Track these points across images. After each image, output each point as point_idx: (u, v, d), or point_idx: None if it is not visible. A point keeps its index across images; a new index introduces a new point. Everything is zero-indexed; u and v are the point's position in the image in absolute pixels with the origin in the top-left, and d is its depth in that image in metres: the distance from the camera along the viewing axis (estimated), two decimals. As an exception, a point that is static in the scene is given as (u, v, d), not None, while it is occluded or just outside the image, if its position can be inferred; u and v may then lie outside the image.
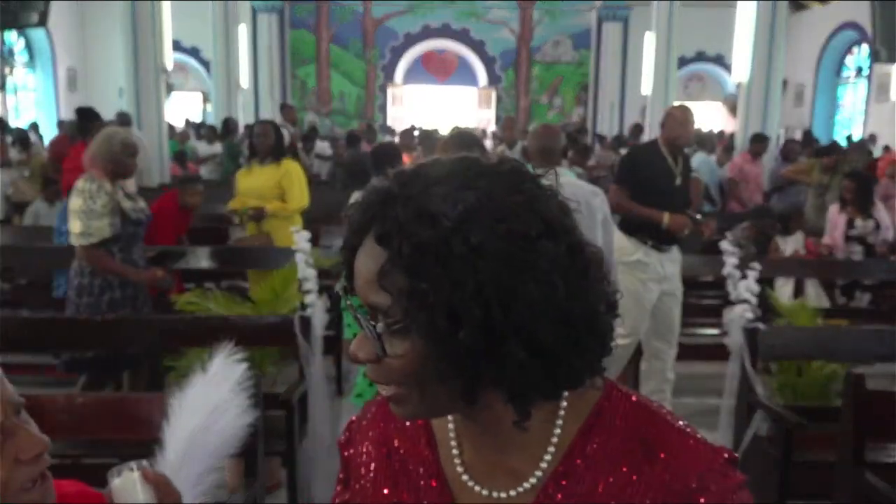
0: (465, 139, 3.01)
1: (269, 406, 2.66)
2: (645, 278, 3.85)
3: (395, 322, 0.67)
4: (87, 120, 5.11)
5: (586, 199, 3.24)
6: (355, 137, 9.65)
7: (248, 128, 5.12)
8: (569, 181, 3.64)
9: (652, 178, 3.85)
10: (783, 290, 5.02)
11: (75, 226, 3.33)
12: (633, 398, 0.77)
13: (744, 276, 3.32)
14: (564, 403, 0.76)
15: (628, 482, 0.72)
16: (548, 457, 0.75)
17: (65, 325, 3.17)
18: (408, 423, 0.84)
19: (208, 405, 1.10)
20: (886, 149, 10.07)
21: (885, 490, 2.29)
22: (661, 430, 0.74)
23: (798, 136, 11.67)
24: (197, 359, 2.99)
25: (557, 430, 0.75)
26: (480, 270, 0.64)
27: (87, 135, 5.03)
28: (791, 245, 5.29)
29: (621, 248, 3.84)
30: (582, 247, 0.71)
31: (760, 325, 3.13)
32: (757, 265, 3.39)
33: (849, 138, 12.35)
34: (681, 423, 0.75)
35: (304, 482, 3.03)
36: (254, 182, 4.66)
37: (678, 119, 3.88)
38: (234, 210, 4.68)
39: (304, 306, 3.25)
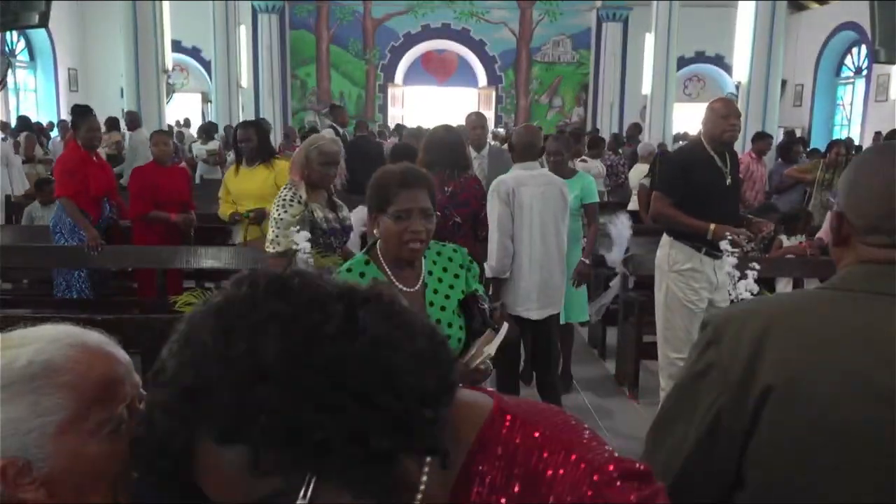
0: (450, 139, 3.27)
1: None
2: (697, 287, 3.70)
3: (306, 486, 0.64)
4: (78, 116, 5.08)
5: (561, 189, 3.66)
6: (363, 124, 9.55)
7: (234, 129, 5.06)
8: (547, 173, 3.82)
9: (702, 182, 3.60)
10: (785, 290, 5.02)
11: (270, 232, 3.33)
12: (517, 420, 0.74)
13: (744, 276, 3.31)
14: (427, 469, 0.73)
15: None
16: (422, 486, 0.72)
17: (65, 326, 3.16)
18: None
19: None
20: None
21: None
22: (544, 456, 0.72)
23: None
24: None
25: (420, 493, 0.72)
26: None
27: (77, 130, 5.01)
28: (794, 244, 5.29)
29: (672, 257, 3.70)
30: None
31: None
32: (757, 265, 3.38)
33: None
34: (570, 436, 0.72)
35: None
36: (247, 184, 4.61)
37: (720, 112, 3.62)
38: (231, 214, 4.63)
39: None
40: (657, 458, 1.07)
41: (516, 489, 0.71)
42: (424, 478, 0.73)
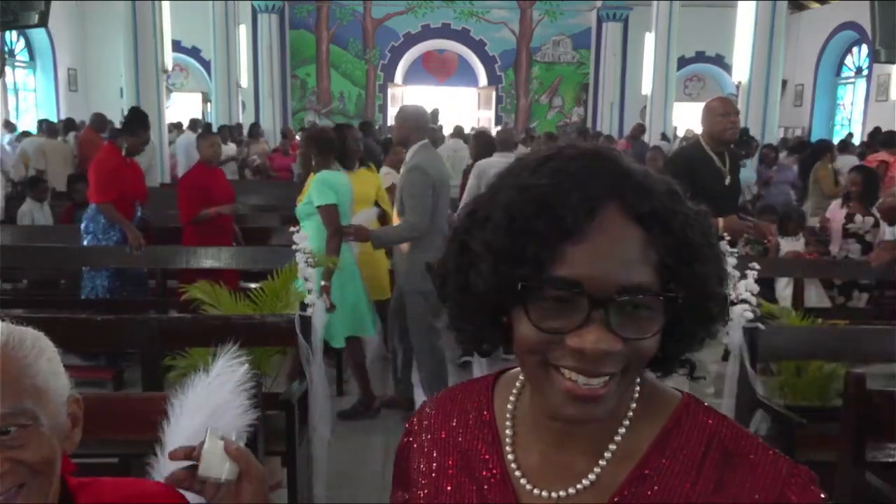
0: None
1: (269, 406, 2.66)
2: None
3: (658, 297, 0.68)
4: (136, 123, 4.95)
5: (484, 168, 4.93)
6: (368, 125, 9.52)
7: (339, 129, 4.99)
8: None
9: (700, 182, 3.51)
10: (784, 291, 5.01)
11: None
12: (713, 410, 0.78)
13: (744, 276, 3.31)
14: (634, 405, 0.76)
15: (707, 490, 0.72)
16: (608, 454, 0.74)
17: (65, 325, 3.16)
18: (470, 422, 0.83)
19: (209, 405, 1.10)
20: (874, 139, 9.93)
21: (886, 490, 2.29)
22: (742, 442, 0.74)
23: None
24: (198, 359, 3.00)
25: (622, 430, 0.75)
26: (698, 233, 0.71)
27: (128, 135, 4.88)
28: (789, 247, 5.26)
29: None
30: None
31: (760, 325, 3.12)
32: (756, 265, 3.38)
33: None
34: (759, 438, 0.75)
35: (304, 482, 3.04)
36: (362, 187, 4.55)
37: (719, 111, 3.62)
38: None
39: (304, 306, 3.24)
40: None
41: (711, 467, 0.73)
42: (630, 413, 0.76)
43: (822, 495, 0.71)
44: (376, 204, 4.75)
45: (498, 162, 5.18)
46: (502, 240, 0.67)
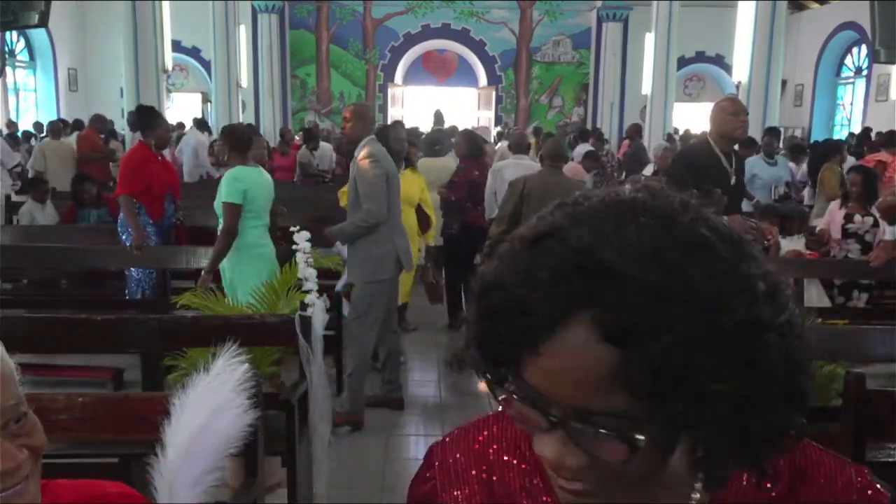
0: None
1: (269, 406, 2.66)
2: None
3: (633, 424, 0.55)
4: (149, 117, 5.05)
5: (499, 169, 5.57)
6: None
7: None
8: (530, 163, 5.40)
9: (706, 180, 3.53)
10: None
11: None
12: None
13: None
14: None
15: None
16: (696, 495, 0.68)
17: (65, 325, 3.16)
18: (515, 462, 0.76)
19: (209, 405, 1.10)
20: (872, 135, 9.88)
21: (886, 490, 2.28)
22: (812, 455, 0.72)
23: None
24: (198, 358, 3.00)
25: (698, 484, 0.68)
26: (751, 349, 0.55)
27: (150, 130, 4.96)
28: (790, 246, 5.26)
29: None
30: None
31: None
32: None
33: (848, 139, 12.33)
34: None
35: (304, 482, 3.04)
36: (409, 188, 4.62)
37: (730, 111, 3.65)
38: None
39: (304, 306, 3.25)
40: (505, 209, 4.34)
41: (784, 489, 0.71)
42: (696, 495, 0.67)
43: (888, 494, 0.72)
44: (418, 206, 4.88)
45: (512, 163, 5.62)
46: (475, 326, 0.61)
